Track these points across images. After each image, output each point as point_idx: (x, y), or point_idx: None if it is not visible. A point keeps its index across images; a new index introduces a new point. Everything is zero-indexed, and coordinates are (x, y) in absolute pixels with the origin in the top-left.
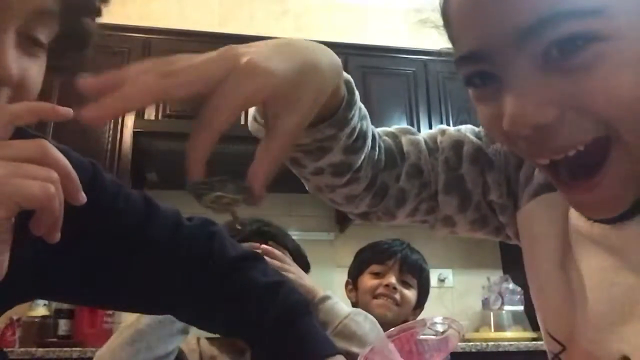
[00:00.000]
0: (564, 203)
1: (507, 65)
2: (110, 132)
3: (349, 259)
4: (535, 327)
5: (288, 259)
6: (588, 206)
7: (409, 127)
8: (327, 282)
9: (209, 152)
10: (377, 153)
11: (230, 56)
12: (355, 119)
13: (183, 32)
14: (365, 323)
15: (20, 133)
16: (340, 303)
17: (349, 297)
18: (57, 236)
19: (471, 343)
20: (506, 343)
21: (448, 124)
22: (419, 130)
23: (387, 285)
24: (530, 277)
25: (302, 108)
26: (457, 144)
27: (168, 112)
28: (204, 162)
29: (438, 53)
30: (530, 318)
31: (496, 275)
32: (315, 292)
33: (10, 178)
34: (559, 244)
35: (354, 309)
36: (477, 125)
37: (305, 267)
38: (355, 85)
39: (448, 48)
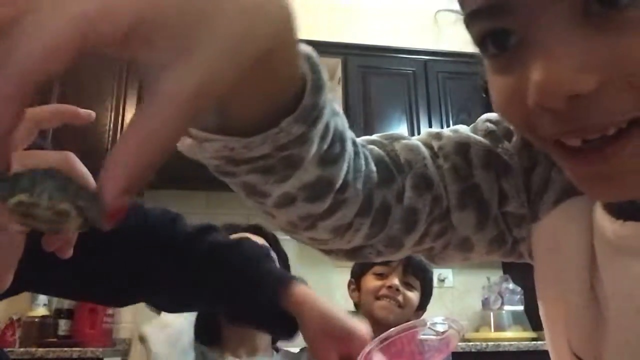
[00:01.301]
0: (584, 204)
1: (535, 20)
2: (110, 132)
3: None
4: (535, 327)
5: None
6: (599, 182)
7: (395, 132)
8: (327, 283)
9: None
10: (363, 163)
11: None
12: (327, 112)
13: None
14: None
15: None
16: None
17: (352, 297)
18: (70, 252)
19: (471, 343)
20: (506, 343)
21: (448, 124)
22: (418, 130)
23: (390, 287)
24: (549, 295)
25: (214, 46)
26: (462, 147)
27: None
28: (7, 145)
29: (438, 53)
30: (530, 318)
31: (496, 275)
32: None
33: None
34: (586, 257)
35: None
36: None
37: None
38: (355, 85)
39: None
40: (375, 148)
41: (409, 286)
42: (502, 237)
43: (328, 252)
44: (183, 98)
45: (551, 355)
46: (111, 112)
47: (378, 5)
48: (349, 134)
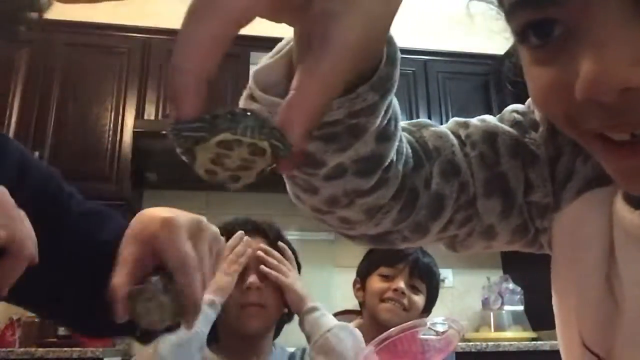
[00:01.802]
0: (606, 195)
1: (585, 11)
2: (110, 132)
3: (348, 260)
4: (535, 327)
5: (287, 261)
6: (637, 174)
7: (423, 120)
8: (326, 283)
9: (215, 68)
10: (404, 147)
11: None
12: (395, 87)
13: None
14: (347, 339)
15: (3, 142)
16: (327, 316)
17: (357, 297)
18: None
19: (471, 343)
20: (506, 343)
21: None
22: None
23: (395, 290)
24: (564, 285)
25: (373, 3)
26: (490, 136)
27: (168, 112)
28: (205, 86)
29: (438, 53)
30: (530, 318)
31: (496, 275)
32: (304, 301)
33: None
34: (605, 249)
35: (341, 323)
36: None
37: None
38: None
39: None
40: (405, 134)
41: (415, 289)
42: (525, 227)
43: (352, 238)
44: (352, 44)
45: (561, 348)
46: (111, 112)
47: None
48: (400, 118)
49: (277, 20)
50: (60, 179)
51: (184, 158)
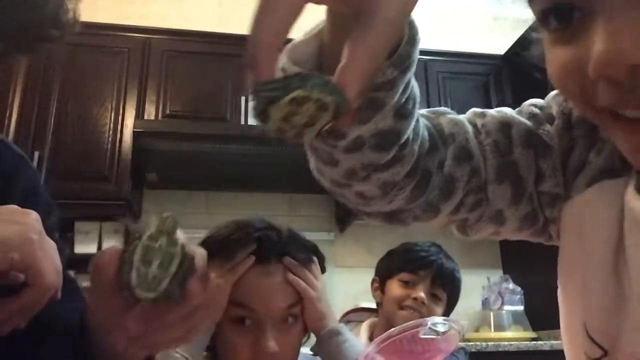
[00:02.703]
0: (619, 185)
1: (599, 6)
2: (110, 132)
3: (349, 259)
4: (535, 327)
5: (312, 274)
6: None
7: (441, 108)
8: (327, 283)
9: (285, 36)
10: (421, 128)
11: None
12: (414, 69)
13: (183, 32)
14: None
15: (4, 149)
16: (349, 342)
17: (374, 296)
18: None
19: (471, 343)
20: (506, 343)
21: None
22: None
23: (415, 299)
24: (570, 275)
25: (401, 5)
26: (505, 126)
27: (168, 112)
28: (277, 52)
29: (438, 53)
30: (530, 318)
31: (496, 275)
32: (326, 320)
33: None
34: (614, 238)
35: (363, 349)
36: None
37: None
38: None
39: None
40: (423, 119)
41: (436, 298)
42: (534, 216)
43: (368, 214)
44: (393, 20)
45: (564, 341)
46: (111, 112)
47: None
48: (418, 100)
49: (321, 2)
50: (58, 218)
51: (258, 120)
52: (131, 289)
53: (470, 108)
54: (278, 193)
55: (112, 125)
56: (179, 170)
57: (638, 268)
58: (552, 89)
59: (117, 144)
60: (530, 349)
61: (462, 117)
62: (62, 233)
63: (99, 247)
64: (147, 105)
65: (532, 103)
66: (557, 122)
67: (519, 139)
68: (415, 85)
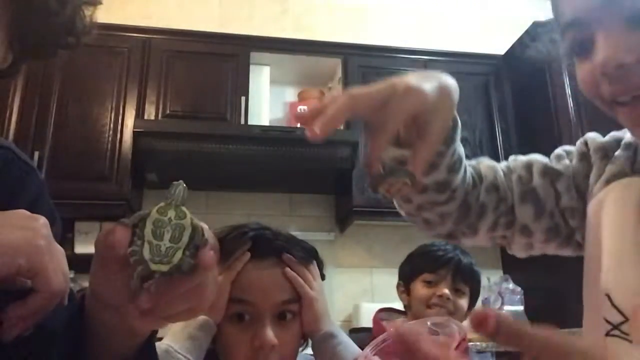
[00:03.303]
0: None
1: (600, 24)
2: (110, 132)
3: (349, 259)
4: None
5: (310, 274)
6: (638, 122)
7: (483, 158)
8: (327, 283)
9: (383, 152)
10: (467, 176)
11: (392, 83)
12: (458, 140)
13: (183, 32)
14: None
15: (9, 159)
16: (344, 344)
17: (401, 299)
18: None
19: (471, 343)
20: None
21: None
22: None
23: (440, 296)
24: (594, 251)
25: (444, 114)
26: (528, 165)
27: (168, 112)
28: (380, 160)
29: (438, 53)
30: (530, 318)
31: (496, 275)
32: (322, 323)
33: None
34: (637, 216)
35: (361, 352)
36: (475, 124)
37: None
38: (355, 85)
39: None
40: (469, 167)
41: (459, 292)
42: (557, 229)
43: (432, 235)
44: (438, 133)
45: (586, 309)
46: (111, 112)
47: (378, 5)
48: (464, 157)
49: (361, 117)
50: (60, 230)
51: (373, 190)
52: (145, 263)
53: (470, 108)
54: (278, 193)
55: (112, 125)
56: (179, 170)
57: None
58: (552, 90)
59: (117, 144)
60: None
61: (496, 163)
62: (62, 233)
63: None
64: (147, 105)
65: (562, 148)
66: (576, 154)
67: (537, 171)
68: (460, 150)
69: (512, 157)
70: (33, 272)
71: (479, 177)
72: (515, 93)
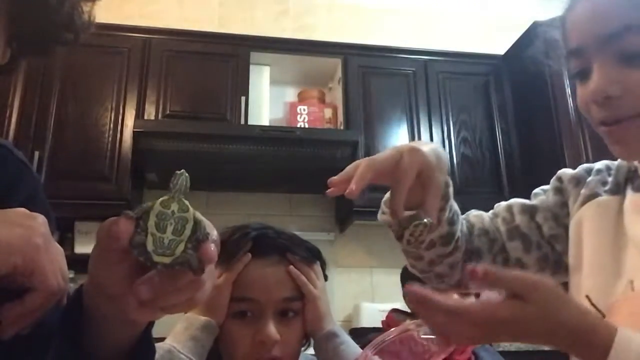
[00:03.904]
0: (612, 201)
1: (597, 57)
2: (110, 132)
3: (349, 259)
4: None
5: (314, 273)
6: (617, 143)
7: (472, 211)
8: (327, 283)
9: (403, 202)
10: (463, 227)
11: (398, 148)
12: (452, 197)
13: (183, 32)
14: None
15: (3, 155)
16: (346, 343)
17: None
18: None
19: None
20: (506, 343)
21: (448, 124)
22: (418, 130)
23: None
24: (576, 260)
25: (442, 170)
26: (509, 207)
27: (168, 112)
28: (402, 208)
29: (438, 53)
30: None
31: None
32: (324, 322)
33: None
34: (611, 228)
35: (361, 352)
36: (475, 124)
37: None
38: (355, 85)
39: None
40: (463, 220)
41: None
42: (546, 257)
43: (445, 287)
44: (439, 185)
45: None
46: (111, 112)
47: (378, 5)
48: (459, 212)
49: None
50: (55, 227)
51: (398, 239)
52: (148, 254)
53: (470, 108)
54: (278, 193)
55: (112, 125)
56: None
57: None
58: (552, 90)
59: (117, 144)
60: (530, 349)
61: (483, 213)
62: (62, 233)
63: None
64: (147, 105)
65: (540, 188)
66: (551, 189)
67: (517, 211)
68: (455, 205)
69: (496, 205)
70: (30, 270)
71: (470, 226)
72: (515, 93)
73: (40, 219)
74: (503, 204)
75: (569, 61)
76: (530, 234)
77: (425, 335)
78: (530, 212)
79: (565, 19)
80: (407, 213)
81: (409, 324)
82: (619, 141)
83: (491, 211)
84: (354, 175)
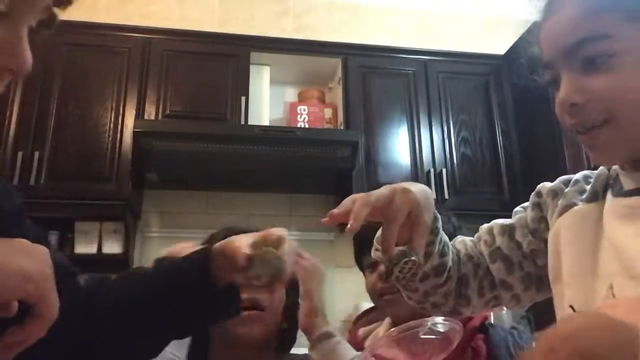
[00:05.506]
0: (590, 208)
1: (562, 69)
2: (110, 132)
3: (349, 259)
4: (535, 328)
5: (317, 269)
6: (592, 149)
7: (459, 237)
8: (327, 283)
9: (394, 240)
10: (454, 256)
11: (392, 187)
12: (441, 230)
13: (183, 32)
14: None
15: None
16: (343, 343)
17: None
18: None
19: None
20: None
21: (448, 124)
22: (418, 130)
23: None
24: (556, 270)
25: (430, 210)
26: (490, 229)
27: (168, 112)
28: (394, 246)
29: (438, 53)
30: (530, 318)
31: None
32: (320, 320)
33: None
34: (590, 235)
35: (358, 353)
36: (475, 124)
37: None
38: (355, 85)
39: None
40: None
41: None
42: (529, 276)
43: (444, 314)
44: (427, 224)
45: (558, 319)
46: (111, 112)
47: (378, 5)
48: (449, 242)
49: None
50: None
51: (388, 275)
52: (252, 278)
53: (470, 108)
54: (278, 193)
55: (112, 125)
56: (179, 170)
57: (612, 241)
58: (552, 89)
59: (117, 144)
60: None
61: (467, 238)
62: (62, 233)
63: (99, 247)
64: (147, 105)
65: (520, 206)
66: (530, 205)
67: (497, 233)
68: (445, 237)
69: (480, 227)
70: (39, 298)
71: (457, 252)
72: (515, 93)
73: (44, 249)
74: (485, 226)
75: (545, 73)
76: (511, 255)
77: (425, 335)
78: (509, 232)
79: (539, 36)
80: (398, 249)
81: (411, 323)
82: (592, 148)
83: (476, 234)
84: (352, 211)
